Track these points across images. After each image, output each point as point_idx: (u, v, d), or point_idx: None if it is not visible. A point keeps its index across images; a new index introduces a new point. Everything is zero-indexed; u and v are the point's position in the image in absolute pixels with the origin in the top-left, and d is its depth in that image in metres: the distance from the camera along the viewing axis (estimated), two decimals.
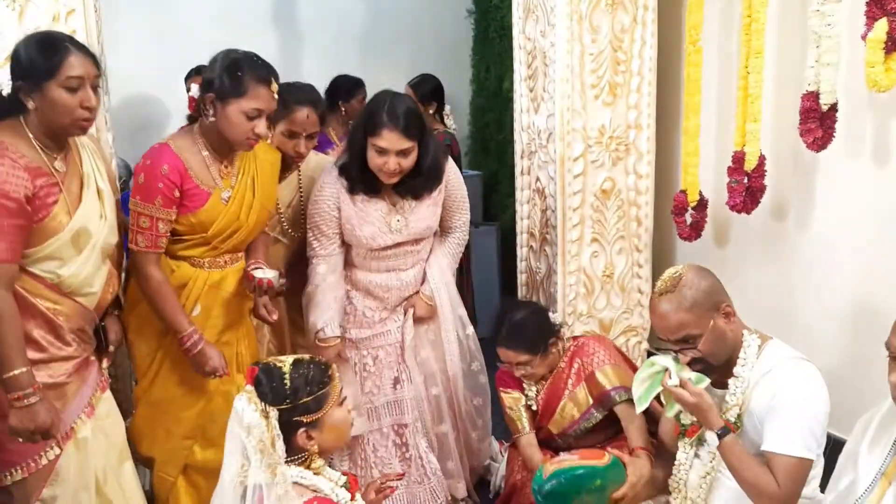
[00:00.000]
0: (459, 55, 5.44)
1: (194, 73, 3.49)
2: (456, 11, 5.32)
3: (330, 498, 1.75)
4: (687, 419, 2.13)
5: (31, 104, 2.02)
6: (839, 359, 2.46)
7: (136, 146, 2.90)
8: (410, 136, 2.48)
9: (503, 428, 2.88)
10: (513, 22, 3.16)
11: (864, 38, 2.07)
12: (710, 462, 2.07)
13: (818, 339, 2.55)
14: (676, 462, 2.15)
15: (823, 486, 1.96)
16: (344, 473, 1.85)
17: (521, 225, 3.33)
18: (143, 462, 2.53)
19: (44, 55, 2.00)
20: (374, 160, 2.50)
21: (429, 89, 4.31)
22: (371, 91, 2.72)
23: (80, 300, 2.16)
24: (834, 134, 2.28)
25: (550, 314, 2.70)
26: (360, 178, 2.56)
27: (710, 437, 2.07)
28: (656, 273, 3.13)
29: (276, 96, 2.32)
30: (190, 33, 4.22)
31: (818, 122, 2.27)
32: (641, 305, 3.14)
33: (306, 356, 1.83)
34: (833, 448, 1.99)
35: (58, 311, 2.11)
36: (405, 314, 2.77)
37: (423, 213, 2.66)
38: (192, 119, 2.40)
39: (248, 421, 1.69)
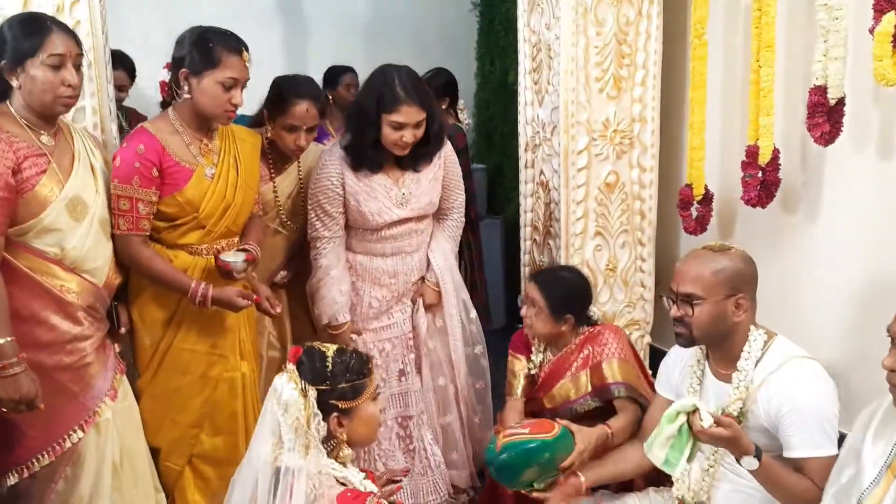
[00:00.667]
0: (464, 48, 5.43)
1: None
2: (461, 4, 5.31)
3: (359, 490, 1.76)
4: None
5: (14, 83, 2.06)
6: (844, 352, 2.45)
7: None
8: (424, 107, 2.55)
9: None
10: (517, 14, 3.15)
11: (871, 31, 2.06)
12: (713, 455, 2.07)
13: (823, 332, 2.55)
14: None
15: None
16: (362, 470, 1.87)
17: (525, 218, 3.32)
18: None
19: (26, 34, 2.04)
20: (390, 135, 2.54)
21: (441, 83, 4.24)
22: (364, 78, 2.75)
23: (86, 276, 2.18)
24: (842, 128, 2.27)
25: (593, 308, 2.71)
26: (370, 155, 2.58)
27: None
28: (659, 267, 3.14)
29: (248, 66, 2.33)
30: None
31: (826, 116, 2.26)
32: (644, 299, 3.14)
33: (351, 347, 1.90)
34: (838, 442, 1.99)
35: (65, 287, 2.14)
36: (414, 305, 2.78)
37: (424, 188, 2.69)
38: (165, 105, 2.42)
39: (287, 398, 1.72)
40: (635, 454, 2.26)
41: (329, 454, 1.79)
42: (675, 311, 2.03)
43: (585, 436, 2.31)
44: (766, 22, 2.41)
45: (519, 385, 2.65)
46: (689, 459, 1.89)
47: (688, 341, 2.06)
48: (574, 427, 2.31)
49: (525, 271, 3.39)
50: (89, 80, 2.42)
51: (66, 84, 2.07)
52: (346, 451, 1.83)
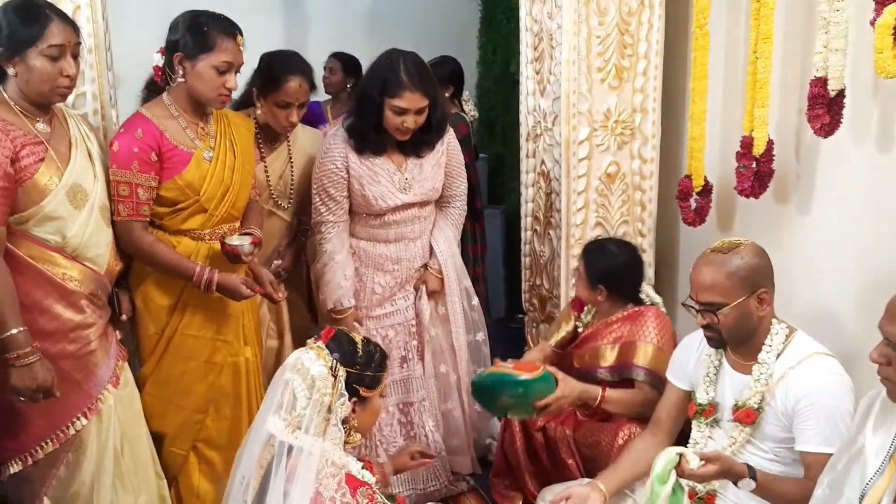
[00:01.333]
0: (466, 37, 5.42)
1: None
2: None
3: (358, 478, 1.79)
4: (704, 398, 2.13)
5: (10, 70, 2.05)
6: (840, 344, 2.45)
7: None
8: (427, 95, 2.56)
9: None
10: (519, 4, 3.14)
11: (872, 23, 2.06)
12: (731, 447, 2.07)
13: (819, 322, 2.56)
14: (691, 441, 2.17)
15: None
16: (360, 459, 1.90)
17: (526, 208, 3.33)
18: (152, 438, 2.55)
19: (24, 22, 2.02)
20: (392, 120, 2.56)
21: (447, 72, 4.18)
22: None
23: (88, 264, 2.18)
24: (841, 120, 2.27)
25: (649, 292, 2.76)
26: (373, 138, 2.60)
27: (725, 422, 2.09)
28: (659, 258, 3.14)
29: (242, 49, 2.33)
30: None
31: (826, 107, 2.26)
32: (653, 300, 3.14)
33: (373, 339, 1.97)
34: None
35: (67, 276, 2.14)
36: (417, 291, 2.79)
37: (427, 173, 2.71)
38: (159, 90, 2.41)
39: (315, 373, 1.75)
40: (647, 454, 2.27)
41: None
42: (700, 321, 2.04)
43: (569, 386, 2.41)
44: (764, 13, 2.41)
45: (556, 335, 2.79)
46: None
47: (719, 344, 2.07)
48: (560, 375, 2.42)
49: (525, 261, 3.40)
50: (89, 67, 2.42)
51: (64, 74, 2.07)
52: (357, 437, 1.88)
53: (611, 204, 3.04)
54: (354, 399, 1.82)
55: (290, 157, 2.83)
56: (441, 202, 2.87)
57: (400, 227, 2.73)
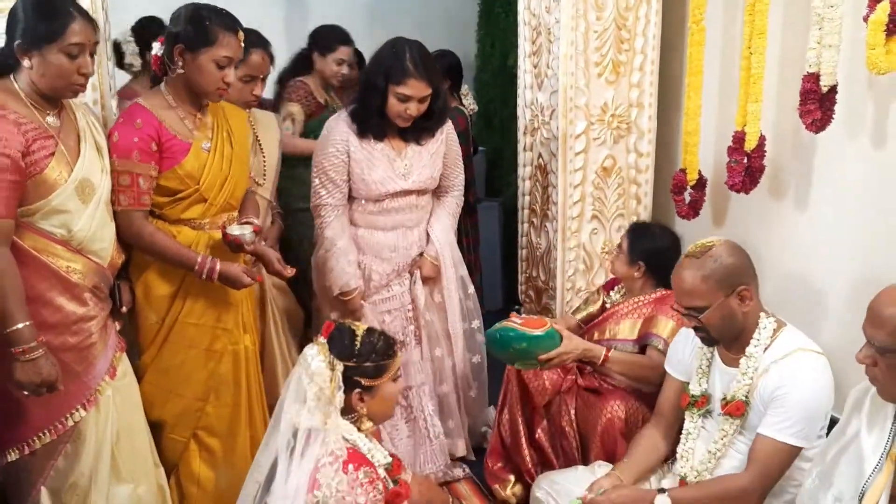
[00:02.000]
0: (465, 31, 5.41)
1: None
2: None
3: (366, 457, 1.84)
4: (697, 390, 2.16)
5: (26, 63, 2.04)
6: (833, 339, 2.47)
7: None
8: (431, 84, 2.62)
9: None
10: None
11: (865, 19, 2.07)
12: (722, 440, 2.10)
13: (812, 317, 2.58)
14: (684, 431, 2.19)
15: None
16: (390, 455, 1.95)
17: (523, 201, 3.35)
18: (151, 427, 2.57)
19: (46, 18, 2.02)
20: (395, 107, 2.61)
21: (445, 65, 4.14)
22: None
23: (92, 257, 2.19)
24: (833, 116, 2.29)
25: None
26: (375, 123, 2.65)
27: (716, 415, 2.11)
28: None
29: (242, 45, 2.34)
30: None
31: (818, 103, 2.27)
32: None
33: (379, 329, 2.01)
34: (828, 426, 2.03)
35: (71, 269, 2.15)
36: (412, 276, 2.82)
37: (426, 161, 2.75)
38: (156, 80, 2.42)
39: (314, 368, 1.82)
40: (656, 446, 2.31)
41: (353, 423, 1.89)
42: (687, 324, 2.08)
43: (573, 343, 2.52)
44: (759, 9, 2.42)
45: (584, 311, 2.86)
46: None
47: (711, 342, 2.11)
48: (565, 333, 2.54)
49: (522, 254, 3.42)
50: None
51: (81, 72, 2.07)
52: (368, 425, 1.92)
53: (607, 197, 3.07)
54: (359, 390, 1.87)
55: (257, 136, 2.85)
56: (439, 192, 2.89)
57: (398, 214, 2.75)
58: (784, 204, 2.69)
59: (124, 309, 2.40)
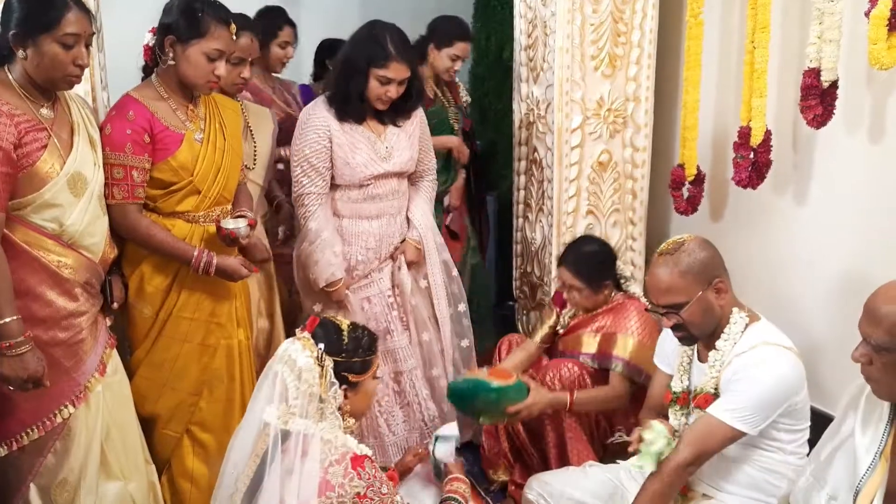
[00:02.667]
0: None
1: None
2: None
3: (358, 453, 1.80)
4: (678, 387, 2.15)
5: (21, 53, 2.01)
6: (828, 334, 2.48)
7: None
8: (411, 66, 2.63)
9: None
10: None
11: (867, 14, 2.06)
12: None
13: (809, 313, 2.58)
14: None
15: None
16: (383, 467, 1.92)
17: (518, 195, 3.33)
18: (143, 422, 2.55)
19: (42, 8, 1.99)
20: (376, 90, 2.61)
21: None
22: None
23: (83, 252, 2.16)
24: (834, 111, 2.28)
25: (619, 264, 2.81)
26: (355, 106, 2.65)
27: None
28: (650, 246, 3.15)
29: (234, 38, 2.32)
30: None
31: (818, 98, 2.26)
32: (634, 278, 3.15)
33: (361, 324, 1.96)
34: (818, 422, 2.02)
35: (62, 263, 2.12)
36: (395, 262, 2.82)
37: (404, 143, 2.76)
38: (148, 71, 2.40)
39: (302, 364, 1.76)
40: None
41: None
42: (667, 323, 2.06)
43: (540, 395, 2.52)
44: (762, 3, 2.41)
45: (541, 332, 2.84)
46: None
47: (691, 341, 2.09)
48: (533, 384, 2.53)
49: (517, 248, 3.41)
50: None
51: (76, 63, 2.04)
52: (351, 422, 1.88)
53: (602, 192, 3.05)
54: (345, 386, 1.83)
55: (248, 124, 2.83)
56: (413, 177, 2.89)
57: (382, 201, 2.75)
58: (782, 198, 2.68)
59: (115, 305, 2.38)
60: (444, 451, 2.22)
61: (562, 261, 2.73)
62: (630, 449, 2.05)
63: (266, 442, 1.77)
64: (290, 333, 2.29)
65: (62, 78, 2.05)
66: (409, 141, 2.77)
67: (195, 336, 2.45)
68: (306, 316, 2.88)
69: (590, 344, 2.67)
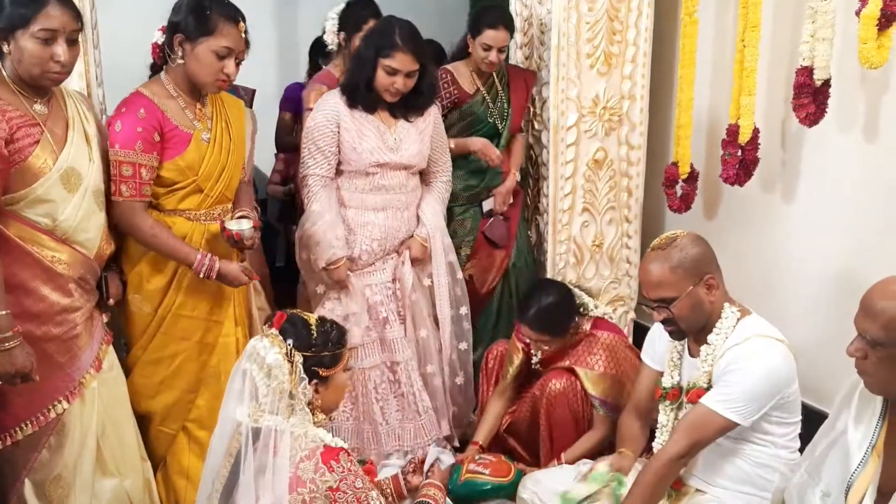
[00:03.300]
0: (456, 21, 5.37)
1: None
2: None
3: (333, 446, 1.79)
4: (668, 382, 2.17)
5: (5, 48, 2.01)
6: (820, 331, 2.49)
7: None
8: (419, 59, 2.64)
9: None
10: None
11: (858, 13, 2.07)
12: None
13: (801, 310, 2.59)
14: (658, 424, 2.20)
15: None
16: (360, 459, 1.91)
17: None
18: (139, 419, 2.55)
19: (21, 2, 1.97)
20: (383, 80, 2.64)
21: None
22: None
23: (77, 247, 2.16)
24: (826, 109, 2.29)
25: (575, 291, 2.72)
26: (365, 95, 2.68)
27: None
28: (645, 244, 3.14)
29: (243, 36, 2.31)
30: None
31: (811, 97, 2.27)
32: (629, 276, 3.17)
33: (328, 318, 1.93)
34: (810, 418, 2.03)
35: (56, 258, 2.12)
36: (399, 256, 2.83)
37: (414, 137, 2.77)
38: (156, 69, 2.40)
39: (271, 361, 1.74)
40: (636, 432, 2.33)
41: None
42: (657, 317, 2.07)
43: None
44: (752, 2, 2.42)
45: (511, 371, 2.75)
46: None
47: (680, 336, 2.11)
48: (528, 470, 2.53)
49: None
50: None
51: (55, 60, 2.02)
52: (321, 416, 1.87)
53: (598, 190, 3.06)
54: (315, 381, 1.82)
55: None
56: (427, 177, 2.90)
57: (388, 193, 2.76)
58: (775, 196, 2.69)
59: (111, 301, 2.38)
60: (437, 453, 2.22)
61: (521, 318, 2.63)
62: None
63: (239, 441, 1.75)
64: None
65: (41, 75, 2.03)
66: (420, 136, 2.79)
67: (194, 334, 2.45)
68: (306, 296, 2.91)
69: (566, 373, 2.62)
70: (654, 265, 2.04)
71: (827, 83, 2.25)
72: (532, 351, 2.68)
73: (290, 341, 1.78)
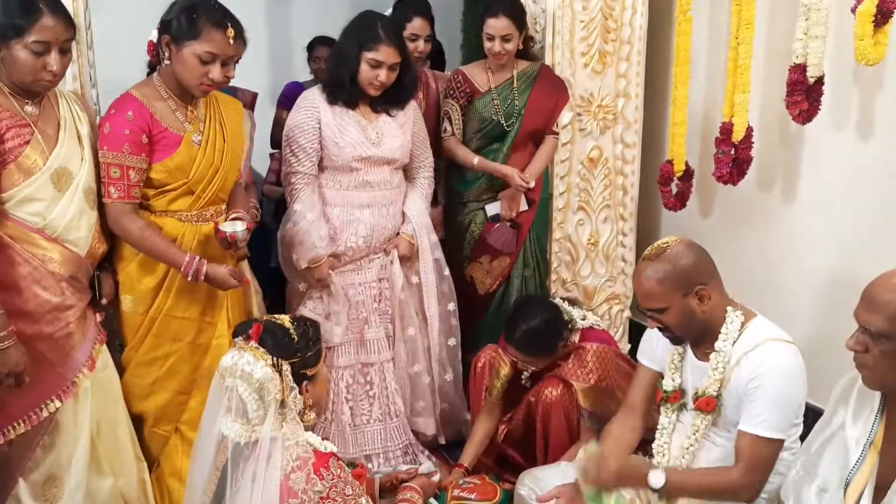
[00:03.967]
0: (450, 19, 5.38)
1: None
2: None
3: (321, 450, 1.78)
4: (670, 385, 2.16)
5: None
6: (817, 328, 2.49)
7: None
8: (401, 52, 2.66)
9: None
10: None
11: (853, 10, 2.07)
12: (694, 434, 2.09)
13: (798, 308, 2.59)
14: (659, 426, 2.18)
15: None
16: (350, 462, 1.90)
17: None
18: (133, 420, 2.54)
19: (14, 12, 1.99)
20: (366, 73, 2.65)
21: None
22: None
23: (68, 246, 2.16)
24: (820, 107, 2.29)
25: (561, 304, 2.67)
26: (347, 90, 2.69)
27: (689, 410, 2.12)
28: (640, 242, 3.16)
29: (231, 42, 2.29)
30: None
31: (804, 94, 2.27)
32: (625, 274, 3.17)
33: (298, 315, 1.91)
34: (806, 415, 2.03)
35: (48, 257, 2.12)
36: (387, 255, 2.83)
37: (395, 131, 2.77)
38: (152, 68, 2.39)
39: (260, 377, 1.71)
40: (626, 437, 2.30)
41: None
42: (651, 324, 2.07)
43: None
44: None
45: (498, 387, 2.70)
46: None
47: (678, 341, 2.10)
48: (514, 490, 2.47)
49: None
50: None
51: (47, 69, 2.04)
52: (311, 416, 1.86)
53: (593, 188, 3.06)
54: (305, 381, 1.81)
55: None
56: (410, 173, 2.91)
57: (373, 190, 2.76)
58: (770, 193, 2.70)
59: (104, 301, 2.37)
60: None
61: (508, 341, 2.57)
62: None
63: (226, 455, 1.74)
64: None
65: (34, 83, 2.05)
66: (401, 130, 2.80)
67: (186, 335, 2.45)
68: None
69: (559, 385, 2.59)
70: (643, 276, 2.01)
71: (820, 80, 2.26)
72: (520, 367, 2.64)
73: (274, 352, 1.75)
